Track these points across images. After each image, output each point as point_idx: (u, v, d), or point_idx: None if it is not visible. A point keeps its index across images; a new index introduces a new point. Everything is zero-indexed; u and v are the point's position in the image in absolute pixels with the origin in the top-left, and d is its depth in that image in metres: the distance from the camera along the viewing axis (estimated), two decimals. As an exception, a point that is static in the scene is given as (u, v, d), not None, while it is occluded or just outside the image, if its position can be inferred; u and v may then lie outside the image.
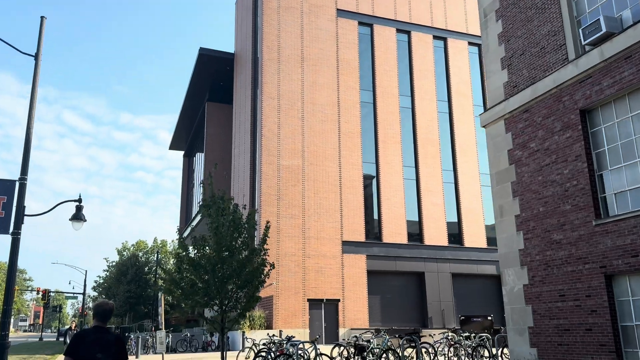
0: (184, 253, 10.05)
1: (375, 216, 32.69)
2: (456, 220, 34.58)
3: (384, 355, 14.31)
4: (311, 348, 13.79)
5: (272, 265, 10.02)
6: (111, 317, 5.45)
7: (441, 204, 34.12)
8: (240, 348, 25.86)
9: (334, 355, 15.08)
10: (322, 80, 33.12)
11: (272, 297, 28.30)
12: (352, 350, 16.22)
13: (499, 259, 14.22)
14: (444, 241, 33.56)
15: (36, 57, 13.87)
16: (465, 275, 33.85)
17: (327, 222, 30.81)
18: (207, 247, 9.86)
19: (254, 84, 35.32)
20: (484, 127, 15.04)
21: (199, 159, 51.19)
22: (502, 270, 14.03)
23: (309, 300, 29.49)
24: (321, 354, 13.76)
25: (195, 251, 10.04)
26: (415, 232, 33.37)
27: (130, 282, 52.97)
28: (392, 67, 35.21)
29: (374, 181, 33.14)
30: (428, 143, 34.79)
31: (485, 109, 15.08)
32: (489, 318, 32.32)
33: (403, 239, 32.58)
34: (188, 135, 54.54)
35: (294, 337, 14.82)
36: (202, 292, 9.80)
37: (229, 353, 25.45)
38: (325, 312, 29.94)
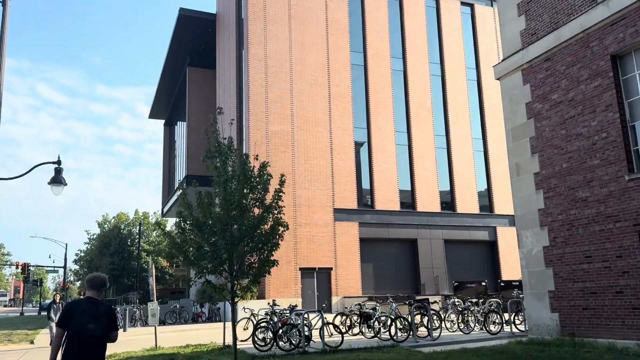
0: (187, 212, 8.83)
1: (367, 183, 31.76)
2: (448, 186, 33.86)
3: (392, 323, 13.48)
4: (317, 317, 12.91)
5: (286, 226, 8.89)
6: (104, 288, 5.41)
7: (433, 170, 33.31)
8: (223, 318, 25.04)
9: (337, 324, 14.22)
10: (310, 40, 31.63)
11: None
12: (355, 318, 15.40)
13: (515, 220, 13.36)
14: (436, 208, 32.87)
15: (3, 3, 12.43)
16: (457, 241, 33.33)
17: (318, 190, 29.79)
18: (213, 205, 8.68)
19: (238, 45, 33.66)
20: (498, 79, 13.98)
21: (181, 128, 49.44)
22: (518, 232, 13.19)
23: (301, 269, 28.65)
24: (328, 324, 12.91)
25: (200, 210, 8.85)
26: (408, 199, 32.58)
27: (114, 254, 51.62)
28: (383, 27, 33.82)
29: (366, 147, 32.09)
30: (420, 107, 33.74)
31: (501, 60, 14.00)
32: (483, 284, 31.92)
33: (395, 206, 31.79)
34: (168, 103, 52.56)
35: (296, 306, 13.89)
36: (209, 257, 8.77)
37: (220, 324, 24.60)
38: (317, 280, 29.18)
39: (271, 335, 12.93)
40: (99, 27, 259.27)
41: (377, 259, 31.20)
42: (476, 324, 14.89)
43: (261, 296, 26.69)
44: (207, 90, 42.37)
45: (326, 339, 12.54)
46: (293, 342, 12.36)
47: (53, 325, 15.64)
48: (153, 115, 56.08)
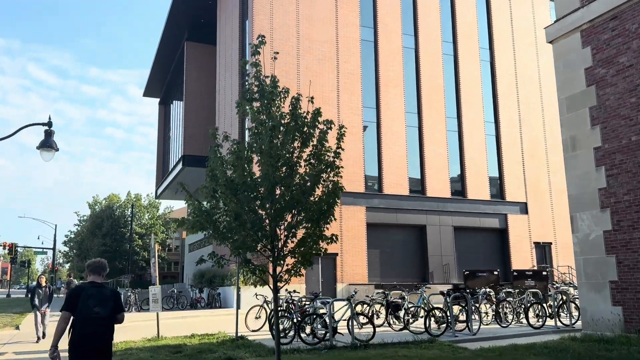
0: (220, 170, 7.00)
1: (375, 165, 30.20)
2: (459, 171, 32.39)
3: (428, 315, 11.98)
4: (345, 307, 11.41)
5: (341, 188, 7.11)
6: (103, 272, 5.41)
7: (444, 153, 31.79)
8: (236, 306, 23.55)
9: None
10: (319, 14, 29.85)
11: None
12: (378, 307, 13.90)
13: (569, 201, 11.85)
14: (446, 193, 31.41)
15: None
16: (467, 228, 31.93)
17: (325, 171, 28.17)
18: (253, 162, 6.93)
19: (241, 17, 31.81)
20: (550, 42, 12.38)
21: (177, 107, 47.52)
22: (572, 214, 11.69)
23: (305, 254, 27.09)
24: (358, 314, 11.42)
25: (232, 170, 7.05)
26: (417, 183, 31.09)
27: (106, 236, 49.80)
28: (395, 2, 32.08)
29: (374, 127, 30.48)
30: (432, 87, 32.13)
31: (555, 20, 12.40)
32: (495, 273, 30.64)
33: (404, 190, 30.28)
34: (164, 81, 50.51)
35: (319, 293, 12.38)
36: (249, 229, 7.10)
37: (223, 310, 23.14)
38: (322, 266, 27.72)
39: (291, 326, 11.42)
40: (92, 8, 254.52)
41: (384, 245, 29.76)
42: (514, 316, 13.47)
43: (264, 282, 25.14)
44: (206, 66, 40.49)
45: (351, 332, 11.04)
46: (318, 334, 10.84)
47: (38, 314, 13.92)
48: (148, 93, 54.06)
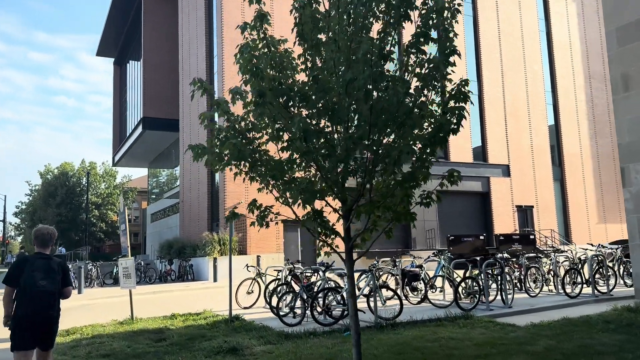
0: (266, 58, 4.53)
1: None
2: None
3: (459, 286, 10.23)
4: (365, 279, 9.54)
5: (467, 96, 4.60)
6: (51, 242, 5.04)
7: (427, 113, 30.06)
8: (210, 279, 21.52)
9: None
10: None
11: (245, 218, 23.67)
12: (384, 278, 12.10)
13: (619, 150, 10.18)
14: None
15: None
16: (450, 192, 30.27)
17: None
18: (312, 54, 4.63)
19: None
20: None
21: (134, 67, 43.95)
22: (624, 166, 10.05)
23: (283, 221, 25.08)
24: (381, 287, 9.56)
25: (271, 70, 4.49)
26: (399, 145, 29.33)
27: (60, 205, 46.33)
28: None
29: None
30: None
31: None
32: (481, 238, 29.50)
33: (386, 152, 28.49)
34: (120, 38, 46.58)
35: (331, 264, 10.44)
36: (324, 157, 4.53)
37: (198, 283, 20.95)
38: (301, 234, 25.84)
39: (299, 303, 9.48)
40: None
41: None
42: (543, 284, 11.96)
43: (243, 252, 23.13)
44: (166, 21, 37.17)
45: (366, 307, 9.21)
46: (334, 313, 8.94)
47: None
48: (101, 52, 49.90)
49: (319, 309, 9.01)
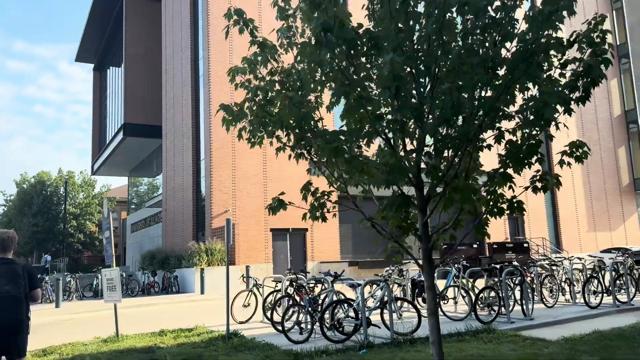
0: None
1: (346, 132, 27.51)
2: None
3: (478, 298, 9.45)
4: (379, 290, 8.71)
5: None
6: (13, 246, 4.82)
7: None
8: (197, 290, 20.46)
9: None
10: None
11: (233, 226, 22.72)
12: (395, 288, 11.30)
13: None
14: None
15: None
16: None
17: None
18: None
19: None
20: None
21: (114, 73, 42.71)
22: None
23: (272, 230, 24.27)
24: (398, 299, 8.75)
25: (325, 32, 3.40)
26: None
27: (37, 215, 44.58)
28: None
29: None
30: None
31: None
32: (475, 246, 29.00)
33: (376, 159, 27.81)
34: (99, 44, 45.33)
35: (341, 273, 9.59)
36: (419, 117, 3.64)
37: (184, 296, 19.85)
38: (290, 243, 24.99)
39: (306, 318, 8.60)
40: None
41: (355, 219, 27.29)
42: (559, 293, 11.26)
43: (231, 262, 22.13)
44: (149, 25, 36.16)
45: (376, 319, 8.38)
46: (346, 328, 8.09)
47: None
48: (81, 57, 48.52)
49: (327, 324, 8.15)
